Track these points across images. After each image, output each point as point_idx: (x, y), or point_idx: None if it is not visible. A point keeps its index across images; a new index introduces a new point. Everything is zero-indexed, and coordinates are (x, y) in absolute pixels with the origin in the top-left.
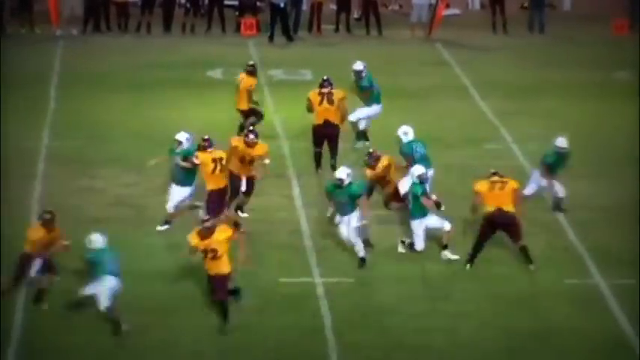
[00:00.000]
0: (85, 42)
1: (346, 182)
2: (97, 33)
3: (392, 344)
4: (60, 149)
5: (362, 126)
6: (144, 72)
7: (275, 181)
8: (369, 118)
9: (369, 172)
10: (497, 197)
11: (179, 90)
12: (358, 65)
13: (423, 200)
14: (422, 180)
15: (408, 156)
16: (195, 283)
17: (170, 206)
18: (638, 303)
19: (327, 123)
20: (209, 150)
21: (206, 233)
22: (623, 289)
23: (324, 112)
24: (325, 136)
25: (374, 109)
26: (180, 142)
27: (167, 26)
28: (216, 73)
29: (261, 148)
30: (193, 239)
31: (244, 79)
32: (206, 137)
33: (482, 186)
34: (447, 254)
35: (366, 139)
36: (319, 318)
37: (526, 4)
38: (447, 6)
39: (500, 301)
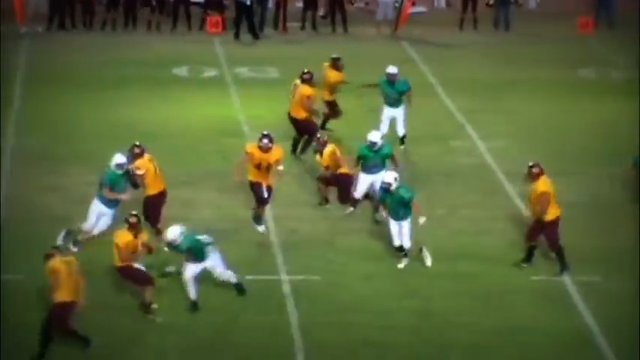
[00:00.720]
0: (51, 39)
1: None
2: (63, 30)
3: (357, 342)
4: (25, 147)
5: (401, 132)
6: (110, 70)
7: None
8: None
9: (317, 158)
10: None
11: (145, 88)
12: (392, 69)
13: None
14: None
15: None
16: (159, 281)
17: (88, 225)
18: (603, 300)
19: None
20: (145, 155)
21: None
22: (589, 286)
23: None
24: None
25: (402, 109)
26: (119, 165)
27: (132, 24)
28: (182, 71)
29: (276, 152)
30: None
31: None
32: (137, 144)
33: (549, 186)
34: (424, 256)
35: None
36: (285, 315)
37: (491, 2)
38: (413, 4)
39: (466, 298)
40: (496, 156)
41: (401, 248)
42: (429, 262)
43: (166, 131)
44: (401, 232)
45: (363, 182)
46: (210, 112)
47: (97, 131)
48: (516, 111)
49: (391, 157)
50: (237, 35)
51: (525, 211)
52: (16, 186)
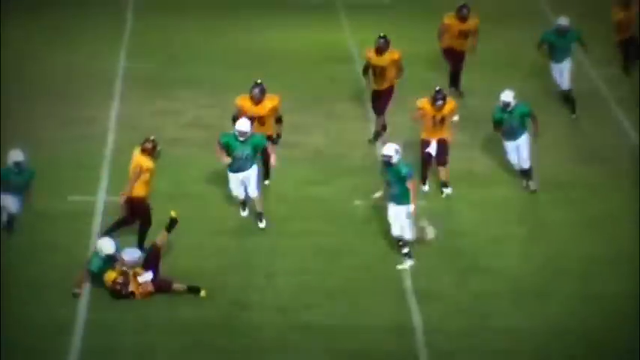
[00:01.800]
0: None
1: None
2: None
3: (466, 267)
4: (137, 71)
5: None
6: None
7: (350, 104)
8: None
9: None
10: None
11: (255, 13)
12: (563, 20)
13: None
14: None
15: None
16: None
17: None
18: None
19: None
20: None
21: None
22: None
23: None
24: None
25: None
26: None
27: None
28: None
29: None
30: None
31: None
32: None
33: None
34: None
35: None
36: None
37: None
38: None
39: (576, 227)
40: None
41: (400, 239)
42: (431, 234)
43: (275, 56)
44: (399, 219)
45: (510, 151)
46: (320, 38)
47: (208, 56)
48: None
49: (530, 115)
50: None
51: None
52: (128, 109)
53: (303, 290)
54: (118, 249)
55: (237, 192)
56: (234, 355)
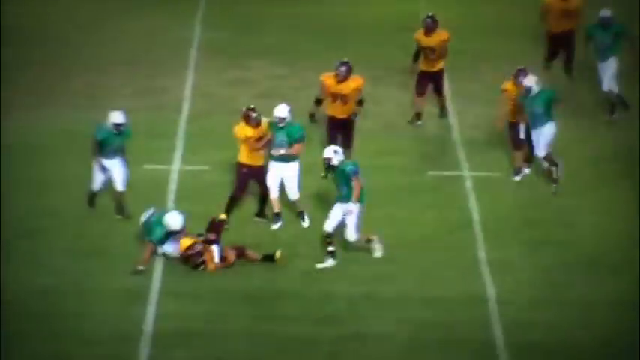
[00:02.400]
0: None
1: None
2: None
3: (537, 240)
4: (211, 41)
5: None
6: None
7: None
8: None
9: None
10: None
11: None
12: (605, 12)
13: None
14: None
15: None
16: None
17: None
18: None
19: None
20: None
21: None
22: None
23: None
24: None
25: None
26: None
27: None
28: None
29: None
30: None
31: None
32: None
33: None
34: None
35: None
36: (467, 211)
37: None
38: None
39: None
40: None
41: (329, 236)
42: (378, 253)
43: (347, 27)
44: (336, 218)
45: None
46: (393, 8)
47: (280, 25)
48: None
49: (625, 34)
50: None
51: None
52: (202, 78)
53: (374, 261)
54: (184, 226)
55: (273, 186)
56: (306, 324)
